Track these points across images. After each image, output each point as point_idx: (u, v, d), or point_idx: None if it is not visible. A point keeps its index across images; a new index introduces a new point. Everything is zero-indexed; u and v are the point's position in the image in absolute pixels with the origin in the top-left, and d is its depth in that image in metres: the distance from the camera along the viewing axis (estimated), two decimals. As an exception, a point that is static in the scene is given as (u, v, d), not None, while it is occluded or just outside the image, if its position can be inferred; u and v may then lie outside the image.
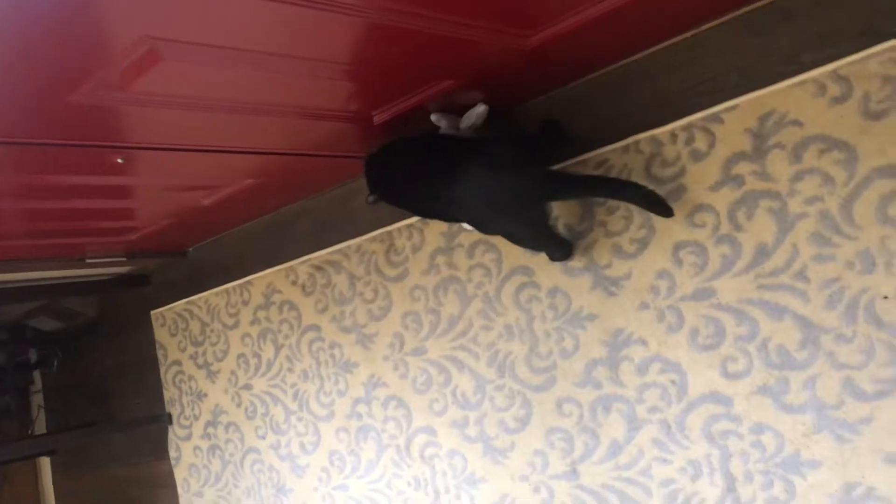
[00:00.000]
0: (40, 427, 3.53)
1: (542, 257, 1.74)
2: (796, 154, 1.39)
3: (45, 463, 3.56)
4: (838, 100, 1.34)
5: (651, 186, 1.51)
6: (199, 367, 2.67)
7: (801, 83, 1.38)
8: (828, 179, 1.36)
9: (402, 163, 1.63)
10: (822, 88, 1.36)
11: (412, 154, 1.61)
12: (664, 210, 1.48)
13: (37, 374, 3.58)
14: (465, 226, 1.85)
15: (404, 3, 1.15)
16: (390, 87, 1.53)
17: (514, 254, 1.81)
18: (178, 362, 2.76)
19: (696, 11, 1.47)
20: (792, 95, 1.39)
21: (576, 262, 1.70)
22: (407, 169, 1.62)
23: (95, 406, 3.19)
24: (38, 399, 3.56)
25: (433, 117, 1.66)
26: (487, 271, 1.87)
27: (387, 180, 1.69)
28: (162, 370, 2.83)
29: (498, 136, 1.67)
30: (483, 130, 1.69)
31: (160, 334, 2.84)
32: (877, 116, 1.30)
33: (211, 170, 1.81)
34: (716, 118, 1.48)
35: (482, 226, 1.64)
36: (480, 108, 1.65)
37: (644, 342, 1.59)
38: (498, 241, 1.84)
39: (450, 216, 1.71)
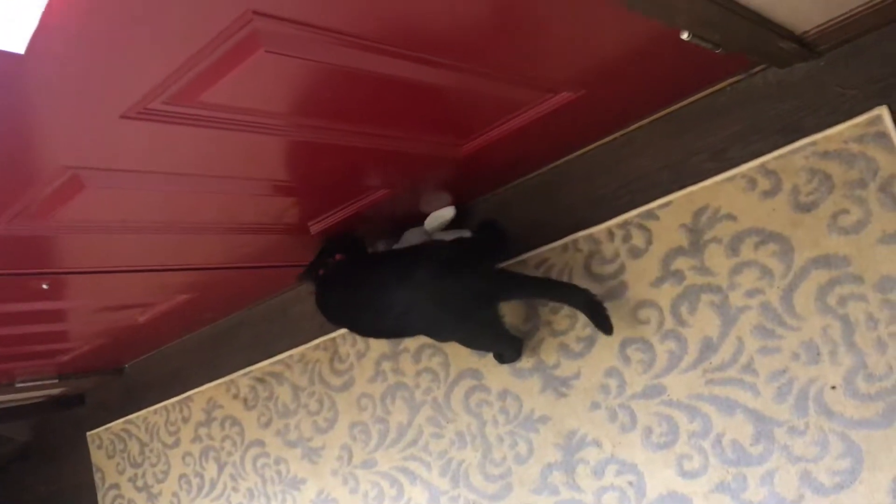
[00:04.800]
0: (-32, 564, 3.28)
1: (490, 359, 1.71)
2: (733, 248, 1.40)
3: None
4: (769, 193, 1.36)
5: (592, 284, 1.50)
6: (139, 489, 2.53)
7: (731, 178, 1.40)
8: (766, 272, 1.36)
9: (346, 283, 1.59)
10: (752, 183, 1.38)
11: (355, 273, 1.58)
12: (605, 325, 1.45)
13: (-37, 507, 3.36)
14: None
15: (326, 120, 1.14)
16: (325, 199, 1.51)
17: (462, 356, 1.77)
18: (116, 486, 2.61)
19: (620, 115, 1.50)
20: (723, 190, 1.41)
21: (524, 363, 1.66)
22: (352, 288, 1.58)
23: (28, 538, 2.99)
24: (-36, 533, 3.33)
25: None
26: (435, 376, 1.82)
27: (331, 301, 1.65)
28: (99, 495, 2.67)
29: (437, 241, 1.65)
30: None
31: (97, 457, 2.69)
32: (807, 208, 1.33)
33: (144, 289, 1.75)
34: (651, 215, 1.49)
35: (436, 332, 1.61)
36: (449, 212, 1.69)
37: (598, 443, 1.55)
38: (444, 343, 1.80)
39: (399, 330, 1.66)
